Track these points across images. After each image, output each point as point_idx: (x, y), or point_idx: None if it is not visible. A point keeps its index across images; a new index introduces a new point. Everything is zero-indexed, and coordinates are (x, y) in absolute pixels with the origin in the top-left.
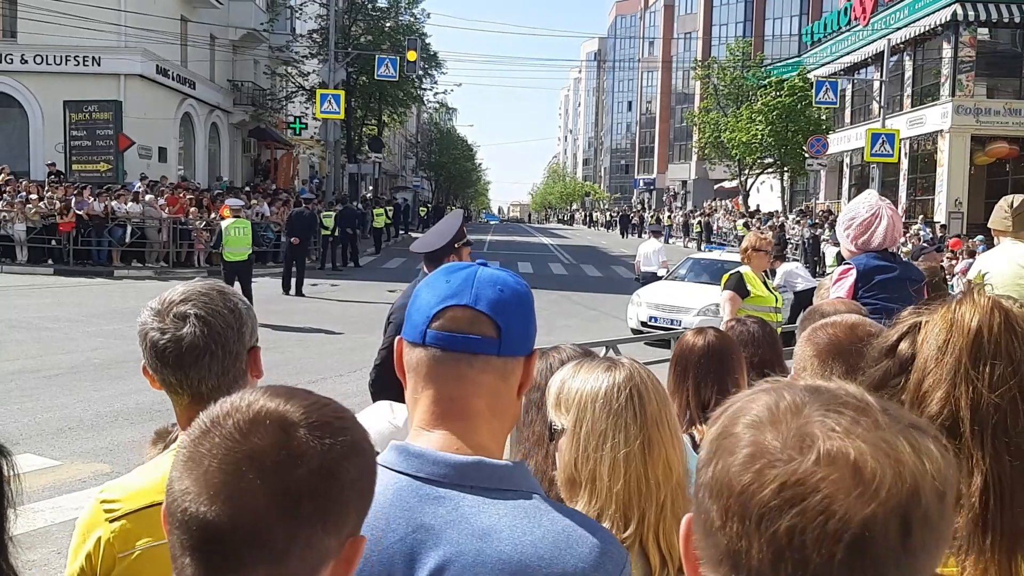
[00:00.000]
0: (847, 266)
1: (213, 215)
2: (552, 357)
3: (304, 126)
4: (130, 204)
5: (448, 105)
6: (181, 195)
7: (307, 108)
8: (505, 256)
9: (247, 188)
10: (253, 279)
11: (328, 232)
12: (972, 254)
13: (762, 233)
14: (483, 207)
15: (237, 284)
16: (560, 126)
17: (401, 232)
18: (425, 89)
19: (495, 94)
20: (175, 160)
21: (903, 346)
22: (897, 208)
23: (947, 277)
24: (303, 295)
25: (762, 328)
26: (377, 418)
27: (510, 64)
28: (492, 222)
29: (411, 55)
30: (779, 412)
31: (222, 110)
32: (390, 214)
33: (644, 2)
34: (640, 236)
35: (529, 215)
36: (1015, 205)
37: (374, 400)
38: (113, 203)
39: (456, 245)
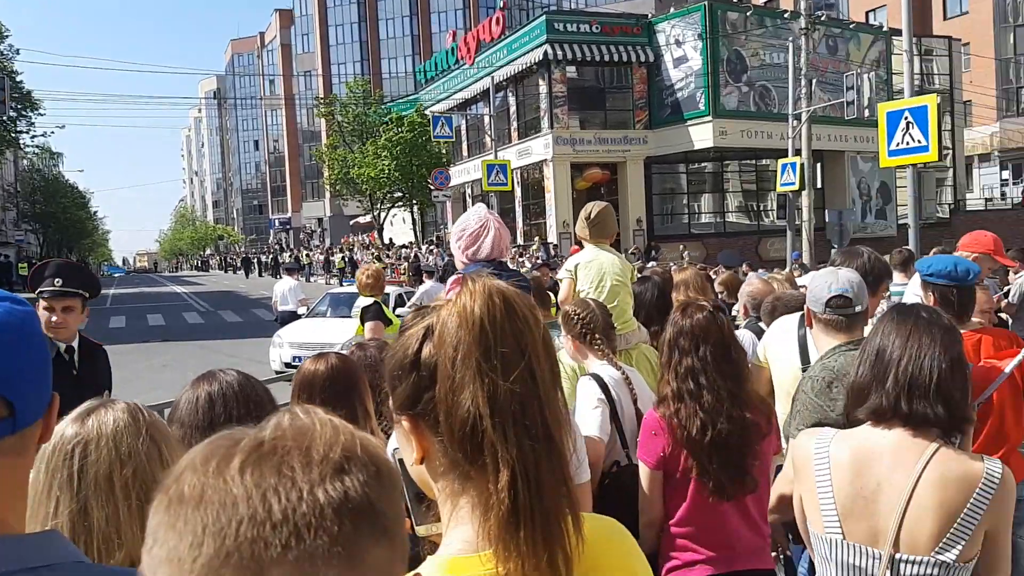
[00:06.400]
0: (457, 276)
1: None
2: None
3: None
4: None
5: (52, 149)
6: None
7: None
8: (133, 310)
9: None
10: None
11: None
12: None
13: (372, 265)
14: (105, 259)
15: None
16: (184, 168)
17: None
18: (20, 132)
19: (108, 136)
20: None
21: (426, 353)
22: (516, 233)
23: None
24: None
25: (381, 352)
26: None
27: (121, 103)
28: (117, 274)
29: None
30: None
31: None
32: None
33: (260, 40)
34: (277, 276)
35: (155, 264)
36: (591, 216)
37: None
38: None
39: None
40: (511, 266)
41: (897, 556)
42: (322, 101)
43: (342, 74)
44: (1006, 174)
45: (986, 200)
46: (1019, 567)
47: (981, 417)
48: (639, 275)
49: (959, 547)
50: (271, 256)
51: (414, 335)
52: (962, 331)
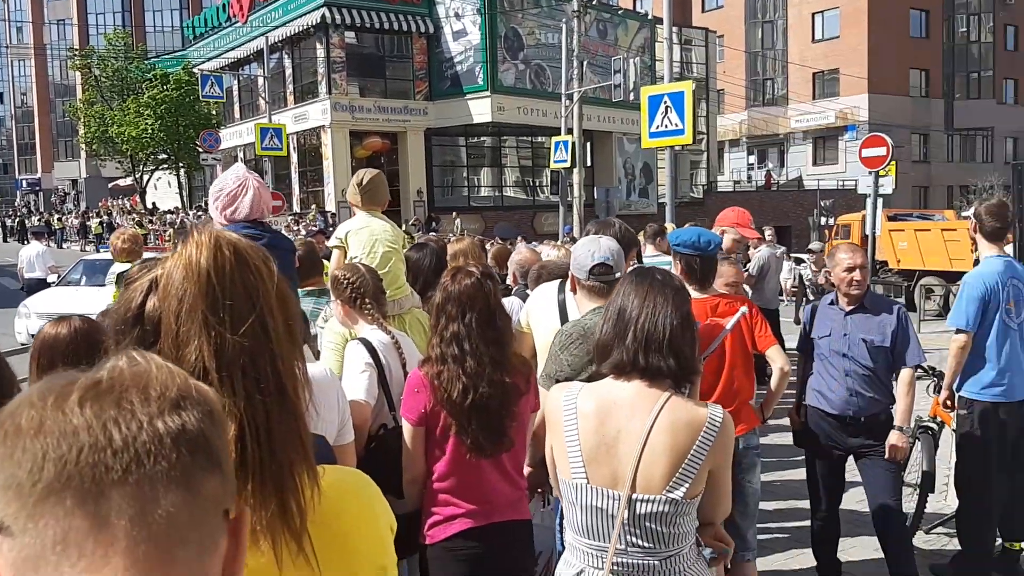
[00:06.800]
0: None
1: None
2: None
3: None
4: None
5: None
6: None
7: None
8: None
9: None
10: None
11: None
12: None
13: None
14: None
15: None
16: None
17: None
18: None
19: None
20: None
21: (150, 306)
22: (292, 200)
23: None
24: None
25: None
26: None
27: None
28: None
29: None
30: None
31: None
32: None
33: None
34: (24, 242)
35: None
36: (363, 183)
37: None
38: None
39: None
40: (285, 234)
41: (634, 496)
42: (77, 53)
43: (101, 25)
44: (752, 159)
45: (735, 182)
46: (748, 509)
47: (714, 371)
48: (416, 243)
49: (686, 485)
50: (17, 220)
51: (138, 288)
52: (704, 296)
